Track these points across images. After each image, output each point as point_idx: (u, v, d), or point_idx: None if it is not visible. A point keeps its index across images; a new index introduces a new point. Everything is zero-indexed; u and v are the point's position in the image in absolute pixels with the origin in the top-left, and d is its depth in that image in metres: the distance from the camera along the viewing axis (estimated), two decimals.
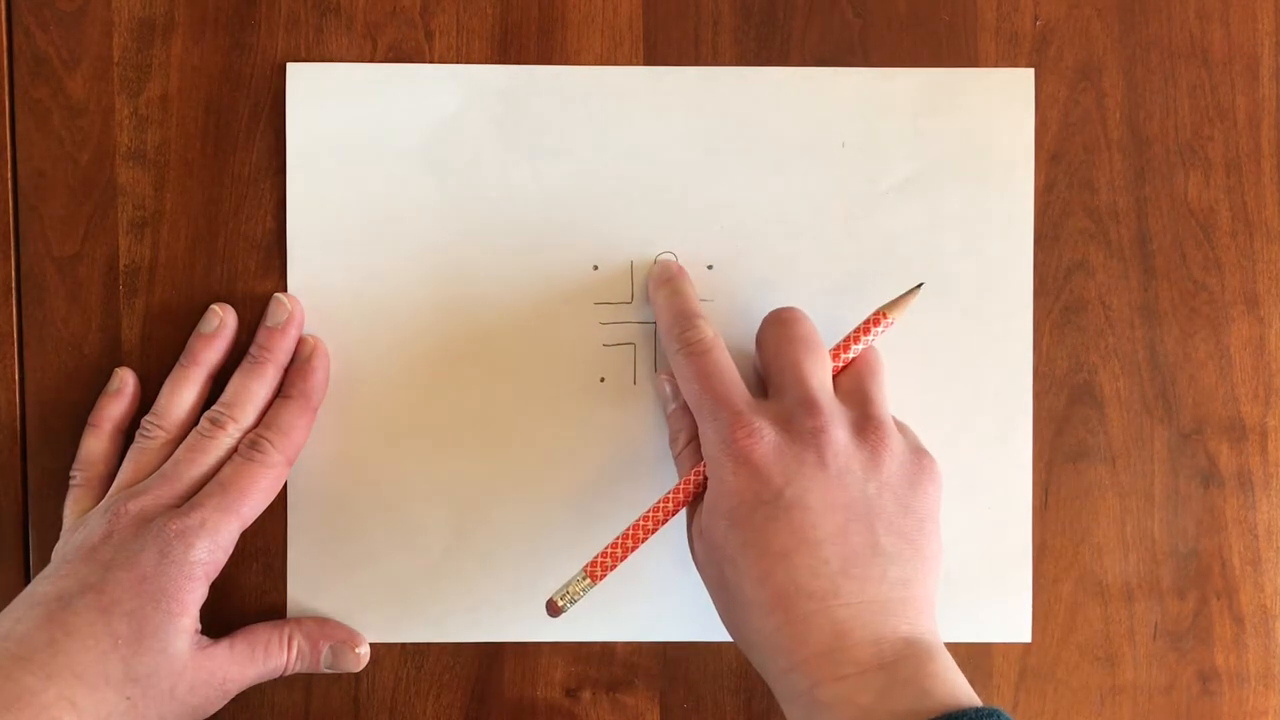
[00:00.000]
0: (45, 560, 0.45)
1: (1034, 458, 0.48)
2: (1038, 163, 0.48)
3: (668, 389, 0.46)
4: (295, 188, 0.47)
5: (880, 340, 0.45)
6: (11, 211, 0.47)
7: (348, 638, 0.47)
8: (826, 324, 0.46)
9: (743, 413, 0.42)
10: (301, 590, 0.48)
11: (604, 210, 0.47)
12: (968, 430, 0.48)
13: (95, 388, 0.47)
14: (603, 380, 0.48)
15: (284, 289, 0.47)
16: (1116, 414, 0.48)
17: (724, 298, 0.48)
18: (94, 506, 0.45)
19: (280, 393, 0.46)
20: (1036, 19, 0.48)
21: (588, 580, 0.43)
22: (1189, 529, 0.48)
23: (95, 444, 0.46)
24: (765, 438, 0.42)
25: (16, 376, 0.47)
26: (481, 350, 0.47)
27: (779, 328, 0.45)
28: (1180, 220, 0.48)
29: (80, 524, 0.44)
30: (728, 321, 0.47)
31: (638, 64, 0.47)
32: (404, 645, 0.48)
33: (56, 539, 0.45)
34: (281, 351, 0.46)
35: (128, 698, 0.41)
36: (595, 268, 0.48)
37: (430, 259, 0.47)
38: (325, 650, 0.46)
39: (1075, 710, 0.48)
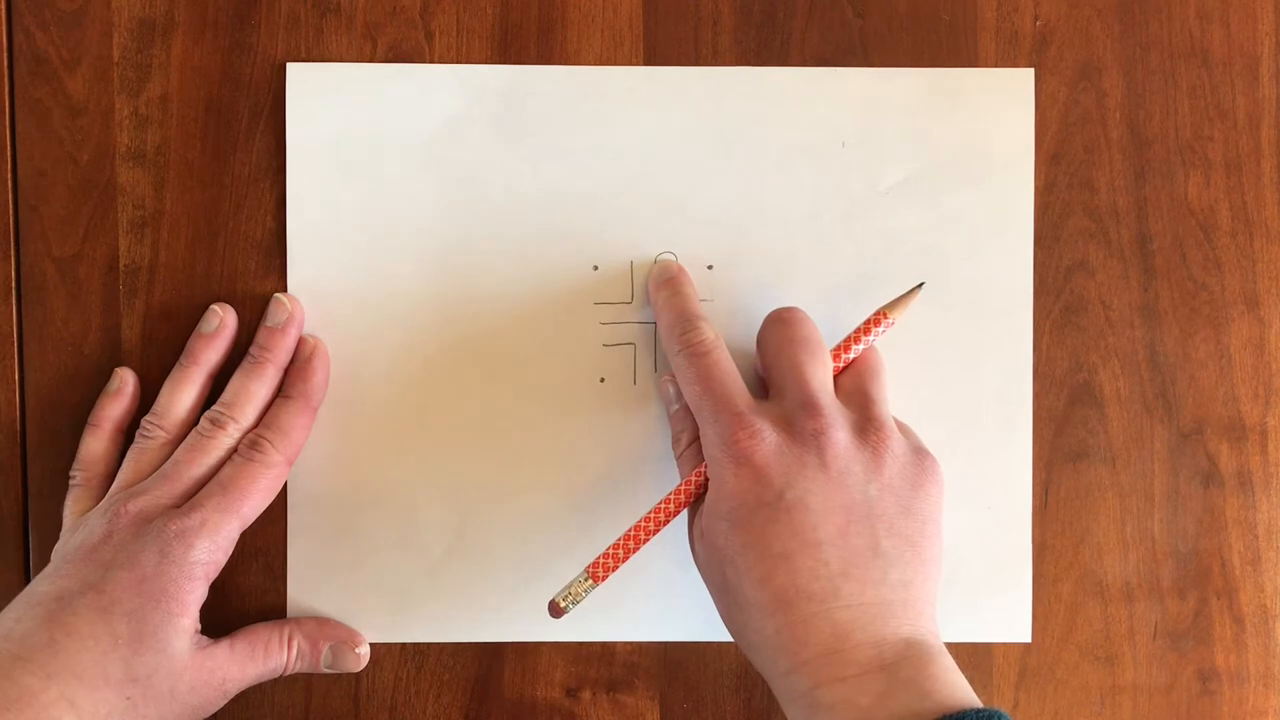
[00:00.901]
0: (45, 560, 0.45)
1: (1034, 458, 0.48)
2: (1038, 163, 0.48)
3: (670, 390, 0.46)
4: (295, 188, 0.47)
5: (881, 340, 0.45)
6: (11, 211, 0.47)
7: (348, 638, 0.47)
8: (826, 324, 0.46)
9: (743, 414, 0.42)
10: (301, 590, 0.48)
11: (604, 210, 0.47)
12: (968, 430, 0.48)
13: (95, 388, 0.47)
14: (603, 380, 0.48)
15: (284, 289, 0.47)
16: (1116, 414, 0.48)
17: (724, 298, 0.48)
18: (94, 506, 0.45)
19: (280, 393, 0.46)
20: (1036, 19, 0.48)
21: (590, 581, 0.43)
22: (1189, 529, 0.48)
23: (95, 444, 0.46)
24: (766, 439, 0.42)
25: (16, 376, 0.47)
26: (481, 350, 0.47)
27: (780, 328, 0.44)
28: (1180, 220, 0.48)
29: (80, 524, 0.44)
30: (728, 321, 0.47)
31: (638, 64, 0.47)
32: (404, 645, 0.48)
33: (56, 539, 0.45)
34: (282, 351, 0.46)
35: (128, 698, 0.41)
36: (595, 268, 0.48)
37: (430, 259, 0.47)
38: (325, 650, 0.46)
39: (1075, 710, 0.48)
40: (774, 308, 0.45)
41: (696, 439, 0.44)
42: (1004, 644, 0.48)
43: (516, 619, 0.48)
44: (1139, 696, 0.48)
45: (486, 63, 0.47)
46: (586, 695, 0.48)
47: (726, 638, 0.44)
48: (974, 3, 0.48)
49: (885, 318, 0.45)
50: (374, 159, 0.47)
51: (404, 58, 0.47)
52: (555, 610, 0.43)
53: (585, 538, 0.47)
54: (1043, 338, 0.48)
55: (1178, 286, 0.48)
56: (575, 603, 0.43)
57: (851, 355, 0.45)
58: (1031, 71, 0.48)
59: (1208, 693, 0.49)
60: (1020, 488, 0.48)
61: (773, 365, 0.44)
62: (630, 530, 0.44)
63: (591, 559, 0.44)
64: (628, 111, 0.47)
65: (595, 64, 0.47)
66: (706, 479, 0.43)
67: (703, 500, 0.43)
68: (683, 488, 0.44)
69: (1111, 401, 0.48)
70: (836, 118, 0.47)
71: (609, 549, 0.44)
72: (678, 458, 0.46)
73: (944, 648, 0.40)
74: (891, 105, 0.47)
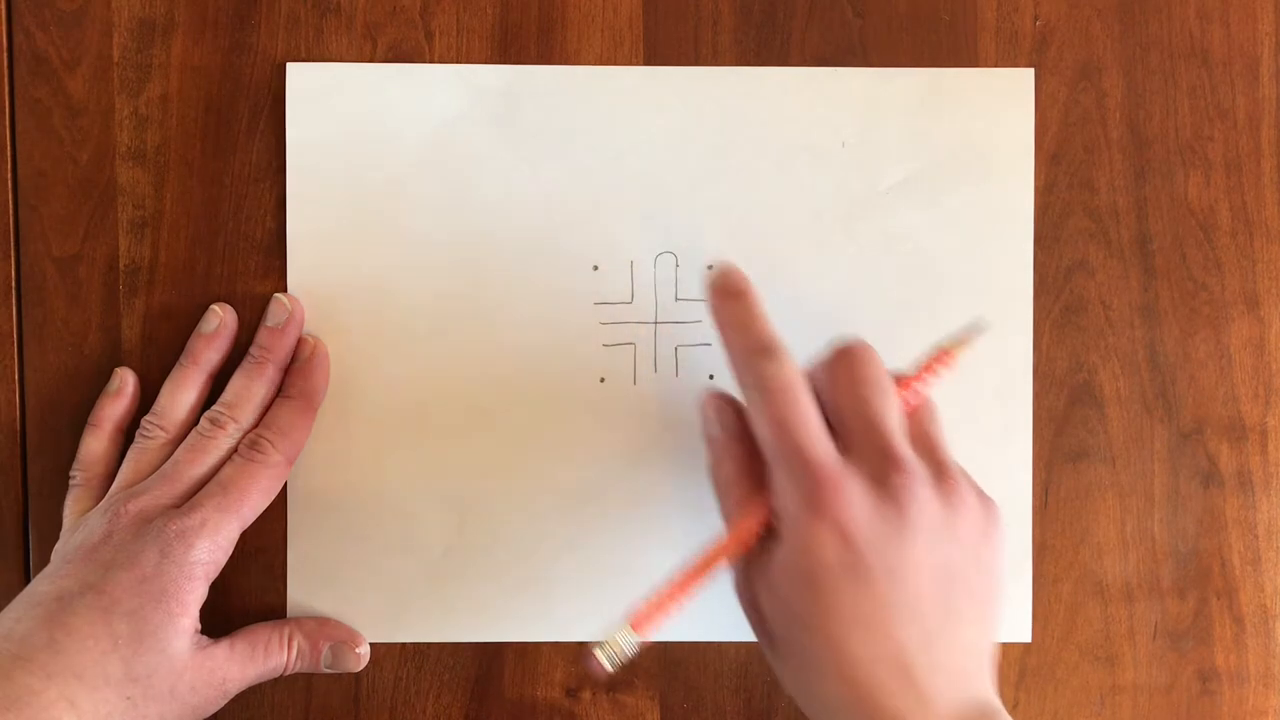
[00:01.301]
0: (45, 560, 0.45)
1: (1034, 458, 0.48)
2: (1038, 163, 0.48)
3: (711, 415, 0.43)
4: (295, 188, 0.47)
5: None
6: (11, 211, 0.47)
7: (348, 638, 0.47)
8: (826, 325, 0.46)
9: (829, 470, 0.39)
10: (301, 590, 0.48)
11: (604, 210, 0.47)
12: (968, 430, 0.48)
13: (95, 388, 0.47)
14: (603, 380, 0.48)
15: (284, 289, 0.47)
16: (1116, 414, 0.48)
17: None
18: (94, 506, 0.45)
19: (280, 393, 0.46)
20: (1036, 19, 0.48)
21: (634, 635, 0.40)
22: (1189, 529, 0.48)
23: (95, 444, 0.46)
24: (854, 499, 0.39)
25: (16, 376, 0.47)
26: (481, 350, 0.47)
27: (850, 364, 0.41)
28: (1180, 220, 0.48)
29: (80, 524, 0.44)
30: None
31: (638, 64, 0.47)
32: (404, 645, 0.48)
33: (56, 539, 0.45)
34: (282, 351, 0.46)
35: (128, 698, 0.41)
36: (595, 268, 0.48)
37: (430, 259, 0.47)
38: (325, 650, 0.46)
39: (1075, 710, 0.48)
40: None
41: (746, 472, 0.42)
42: (1004, 644, 0.48)
43: (516, 619, 0.48)
44: (1139, 696, 0.48)
45: (486, 63, 0.47)
46: (586, 695, 0.48)
47: (727, 638, 0.44)
48: (974, 3, 0.48)
49: (949, 356, 0.43)
50: (374, 159, 0.47)
51: (404, 58, 0.47)
52: (595, 667, 0.40)
53: (585, 538, 0.47)
54: (1043, 338, 0.48)
55: (1178, 286, 0.48)
56: (619, 661, 0.40)
57: (914, 397, 0.42)
58: (1031, 71, 0.48)
59: (1208, 693, 0.49)
60: (1020, 488, 0.48)
61: (844, 405, 0.41)
62: (678, 578, 0.40)
63: (591, 559, 0.43)
64: (628, 111, 0.47)
65: (595, 64, 0.47)
66: (770, 526, 0.40)
67: (763, 547, 0.41)
68: (742, 534, 0.41)
69: (1111, 401, 0.48)
70: (836, 118, 0.47)
71: (654, 598, 0.40)
72: (717, 484, 0.43)
73: (1003, 707, 0.40)
74: (891, 105, 0.47)
